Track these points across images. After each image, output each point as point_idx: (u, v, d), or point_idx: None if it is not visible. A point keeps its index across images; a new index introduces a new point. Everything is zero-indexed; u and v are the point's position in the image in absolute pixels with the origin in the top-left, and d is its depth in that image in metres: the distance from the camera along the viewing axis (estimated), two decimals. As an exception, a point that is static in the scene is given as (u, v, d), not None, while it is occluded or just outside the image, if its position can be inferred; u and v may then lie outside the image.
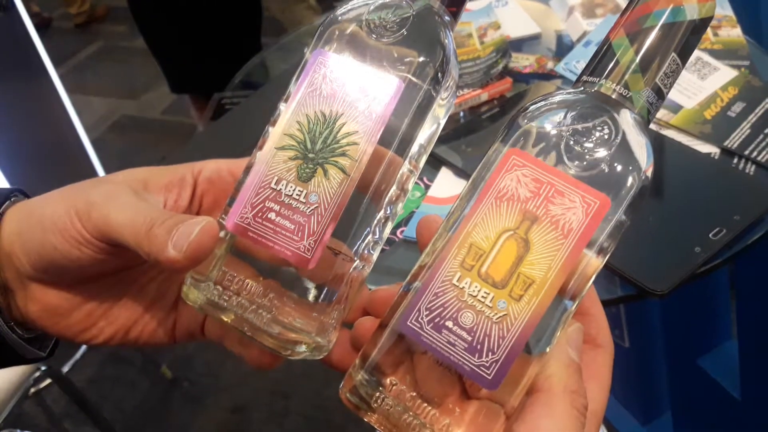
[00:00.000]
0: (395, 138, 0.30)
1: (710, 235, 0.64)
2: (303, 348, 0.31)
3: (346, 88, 0.30)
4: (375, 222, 0.31)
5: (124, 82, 3.05)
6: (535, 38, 1.01)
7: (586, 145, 0.28)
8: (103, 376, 1.71)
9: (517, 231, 0.28)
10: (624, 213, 0.28)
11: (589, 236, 0.27)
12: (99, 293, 0.35)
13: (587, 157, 0.28)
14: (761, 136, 0.76)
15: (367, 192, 0.30)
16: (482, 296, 0.27)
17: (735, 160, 0.74)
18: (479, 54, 0.93)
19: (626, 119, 0.29)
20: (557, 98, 0.30)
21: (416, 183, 0.76)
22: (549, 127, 0.29)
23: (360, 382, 0.30)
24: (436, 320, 0.28)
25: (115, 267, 0.34)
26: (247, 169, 0.31)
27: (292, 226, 0.29)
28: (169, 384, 1.68)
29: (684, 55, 0.29)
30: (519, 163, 0.28)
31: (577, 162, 0.28)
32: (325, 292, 0.31)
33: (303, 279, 0.31)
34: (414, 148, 0.31)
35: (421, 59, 0.30)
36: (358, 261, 0.31)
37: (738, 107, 0.80)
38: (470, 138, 0.81)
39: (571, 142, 0.28)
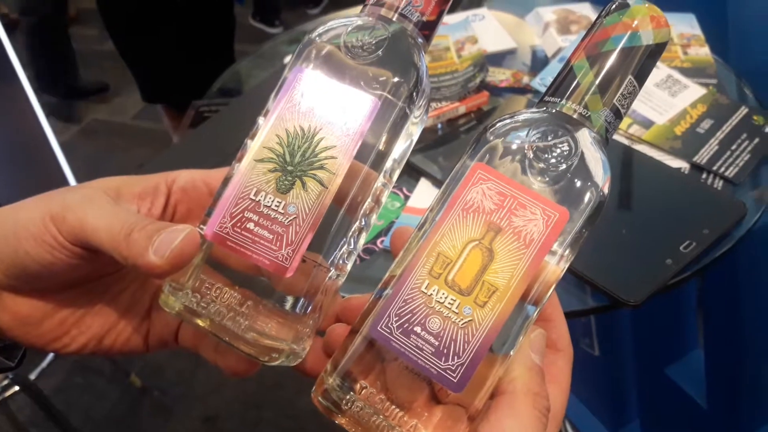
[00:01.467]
0: (371, 153, 0.31)
1: (681, 248, 0.66)
2: (279, 355, 0.32)
3: (324, 104, 0.31)
4: (350, 233, 0.32)
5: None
6: (511, 53, 1.03)
7: (548, 161, 0.30)
8: (71, 384, 1.68)
9: (482, 241, 0.29)
10: (582, 225, 0.30)
11: (549, 246, 0.29)
12: (72, 302, 0.34)
13: (548, 172, 0.30)
14: (728, 153, 0.78)
15: (343, 204, 0.31)
16: (449, 303, 0.29)
17: (704, 175, 0.77)
18: (457, 67, 0.94)
19: (585, 138, 0.31)
20: (522, 117, 0.32)
21: (396, 194, 0.77)
22: (513, 144, 0.31)
23: (332, 386, 0.31)
24: (405, 326, 0.30)
25: (88, 274, 0.34)
26: (226, 181, 0.32)
27: (271, 236, 0.30)
28: (138, 393, 1.65)
29: (641, 77, 0.31)
30: (484, 177, 0.30)
31: (539, 177, 0.30)
32: (300, 301, 0.32)
33: (278, 287, 0.32)
34: (388, 163, 0.33)
35: (396, 79, 0.31)
36: (333, 270, 0.32)
37: (706, 124, 0.82)
38: (448, 150, 0.82)
39: (534, 158, 0.30)
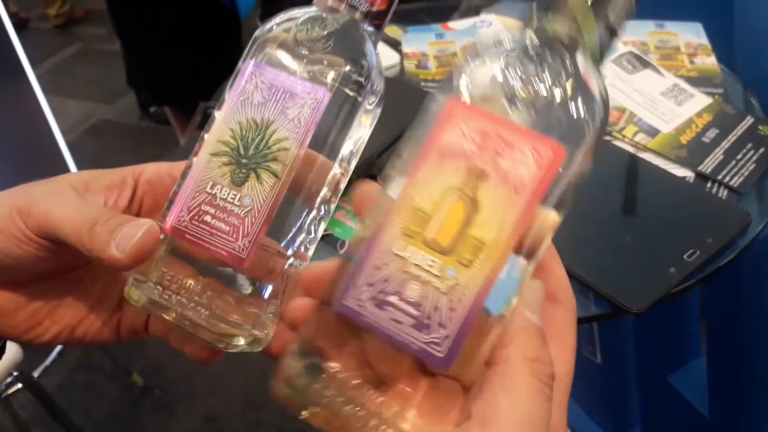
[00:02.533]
0: (325, 143, 0.32)
1: (685, 257, 0.66)
2: (241, 341, 0.32)
3: (276, 96, 0.32)
4: (309, 221, 0.33)
5: (101, 85, 3.02)
6: (517, 59, 1.03)
7: (535, 89, 0.26)
8: (73, 382, 1.69)
9: (463, 190, 0.25)
10: (582, 161, 0.26)
11: (543, 190, 0.25)
12: (43, 294, 0.35)
13: (537, 102, 0.26)
14: (733, 162, 0.78)
15: (300, 194, 0.32)
16: (428, 265, 0.25)
17: (709, 184, 0.77)
18: (464, 72, 0.95)
19: (578, 60, 0.27)
20: (504, 40, 0.27)
21: (401, 198, 0.78)
22: (495, 73, 0.26)
23: (296, 372, 0.27)
24: (377, 296, 0.25)
25: (58, 266, 0.35)
26: (184, 174, 0.33)
27: (227, 228, 0.31)
28: (140, 392, 1.66)
29: None
30: (462, 114, 0.26)
31: (526, 109, 0.26)
32: (259, 287, 0.32)
33: (239, 277, 0.32)
34: (344, 152, 0.33)
35: (346, 69, 0.32)
36: (293, 258, 0.33)
37: (712, 133, 0.83)
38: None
39: (519, 87, 0.26)
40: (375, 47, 0.34)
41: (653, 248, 0.69)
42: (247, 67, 0.33)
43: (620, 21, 0.28)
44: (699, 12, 1.04)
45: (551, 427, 0.25)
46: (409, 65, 0.98)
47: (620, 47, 0.96)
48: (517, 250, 0.25)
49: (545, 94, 0.26)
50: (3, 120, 1.68)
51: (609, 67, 0.92)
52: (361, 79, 0.33)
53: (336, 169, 0.33)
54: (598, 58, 0.27)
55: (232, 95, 0.32)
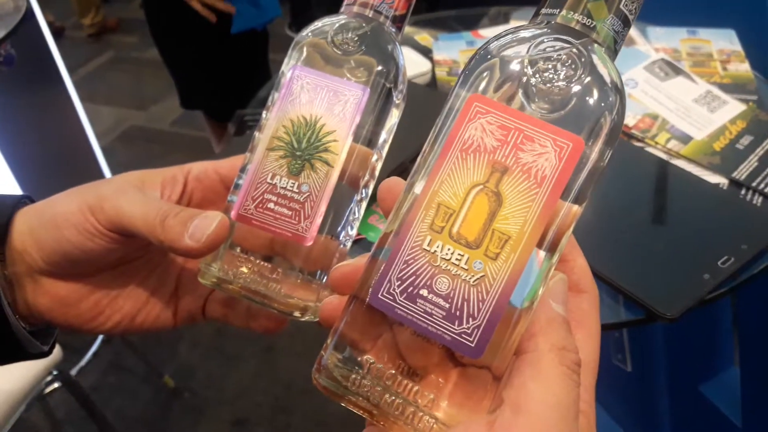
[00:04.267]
0: (364, 133, 0.36)
1: (719, 263, 0.66)
2: (306, 311, 0.36)
3: (321, 95, 0.36)
4: (354, 203, 0.37)
5: (133, 92, 3.08)
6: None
7: (552, 82, 0.26)
8: (105, 383, 1.72)
9: (486, 185, 0.26)
10: (600, 152, 0.26)
11: (564, 182, 0.25)
12: (105, 285, 0.38)
13: (554, 95, 0.26)
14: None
15: (346, 179, 0.36)
16: (456, 259, 0.26)
17: (743, 192, 0.77)
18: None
19: (592, 51, 0.27)
20: (517, 34, 0.28)
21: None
22: (510, 67, 0.27)
23: (334, 364, 0.28)
24: (409, 290, 0.26)
25: (121, 257, 0.38)
26: (243, 171, 0.37)
27: (289, 213, 0.35)
28: (170, 394, 1.68)
29: None
30: (482, 109, 0.26)
31: (544, 102, 0.26)
32: (319, 270, 0.36)
33: (299, 262, 0.36)
34: (380, 140, 0.37)
35: (380, 68, 0.36)
36: (343, 237, 0.37)
37: (746, 140, 0.82)
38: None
39: (536, 81, 0.26)
40: (398, 48, 0.37)
41: (687, 255, 0.69)
42: (293, 70, 0.37)
43: (632, 9, 0.27)
44: (732, 18, 1.04)
45: (582, 410, 0.26)
46: (441, 72, 0.99)
47: (652, 54, 0.96)
48: (541, 242, 0.26)
49: (561, 87, 0.26)
50: (42, 126, 1.73)
51: (641, 74, 0.92)
52: (392, 77, 0.37)
53: (374, 156, 0.37)
54: (612, 47, 0.27)
55: (280, 97, 0.36)
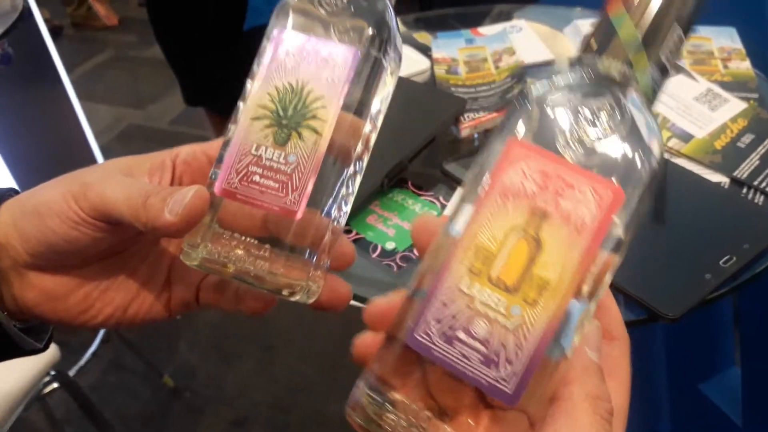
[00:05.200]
0: (356, 101, 0.34)
1: (720, 263, 0.66)
2: (297, 291, 0.34)
3: (308, 59, 0.34)
4: (347, 177, 0.35)
5: (132, 91, 3.08)
6: (548, 64, 1.03)
7: (592, 130, 0.26)
8: (105, 383, 1.72)
9: (526, 230, 0.26)
10: (639, 201, 0.26)
11: (604, 231, 0.25)
12: (94, 277, 0.37)
13: (594, 143, 0.26)
14: (769, 168, 0.78)
15: (336, 150, 0.34)
16: (494, 303, 0.26)
17: (744, 190, 0.76)
18: (494, 78, 0.95)
19: (632, 100, 0.27)
20: (557, 81, 0.28)
21: (432, 203, 0.78)
22: (551, 114, 0.27)
23: (367, 402, 0.28)
24: (446, 332, 0.26)
25: (109, 247, 0.36)
26: (226, 143, 0.34)
27: (276, 185, 0.33)
28: (170, 393, 1.68)
29: (687, 27, 0.28)
30: (523, 154, 0.26)
31: (584, 150, 0.26)
32: (308, 249, 0.34)
33: (288, 239, 0.34)
34: (373, 109, 0.35)
35: (371, 31, 0.34)
36: (335, 213, 0.35)
37: (747, 138, 0.82)
38: (485, 160, 0.83)
39: (576, 128, 0.26)
40: (392, 11, 0.35)
41: (688, 254, 0.68)
42: (278, 35, 0.34)
43: (671, 59, 0.28)
44: (732, 16, 1.03)
45: None
46: (439, 71, 0.99)
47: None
48: (580, 290, 0.26)
49: (601, 135, 0.26)
50: (39, 124, 1.72)
51: (642, 72, 0.92)
52: (384, 39, 0.34)
53: (367, 126, 0.35)
54: (650, 96, 0.28)
55: (264, 63, 0.34)
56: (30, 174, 1.55)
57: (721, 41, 0.99)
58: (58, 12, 3.58)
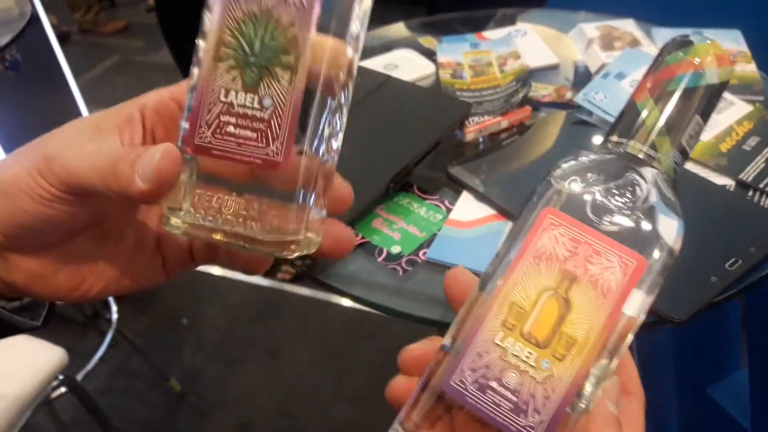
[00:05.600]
0: (330, 20, 0.30)
1: (726, 266, 0.66)
2: (297, 246, 0.31)
3: None
4: (332, 110, 0.31)
5: (139, 95, 3.09)
6: (553, 68, 1.03)
7: (619, 204, 0.29)
8: (112, 387, 1.72)
9: (557, 290, 0.28)
10: (660, 269, 0.29)
11: (627, 296, 0.28)
12: (80, 250, 0.35)
13: (620, 216, 0.29)
14: (775, 170, 0.77)
15: (317, 83, 0.30)
16: (526, 356, 0.28)
17: (750, 193, 0.76)
18: (499, 82, 0.95)
19: (655, 179, 0.30)
20: (588, 158, 0.31)
21: (437, 206, 0.78)
22: (582, 187, 0.30)
23: None
24: (480, 380, 0.28)
25: (89, 219, 0.34)
26: (192, 90, 0.31)
27: (254, 134, 0.29)
28: (176, 398, 1.69)
29: (705, 115, 0.31)
30: (555, 222, 0.29)
31: (610, 222, 0.29)
32: (301, 192, 0.30)
33: (277, 185, 0.30)
34: (352, 30, 0.31)
35: None
36: (324, 153, 0.31)
37: (753, 141, 0.82)
38: (490, 164, 0.83)
39: (605, 202, 0.29)
40: None
41: (694, 257, 0.68)
42: None
43: (691, 143, 0.31)
44: (737, 19, 1.03)
45: None
46: (444, 75, 0.99)
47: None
48: (604, 348, 0.28)
49: (627, 209, 0.29)
50: (46, 129, 1.73)
51: (647, 76, 0.91)
52: None
53: (348, 51, 0.31)
54: (672, 175, 0.31)
55: None
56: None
57: (726, 44, 0.99)
58: (66, 18, 3.61)
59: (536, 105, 0.94)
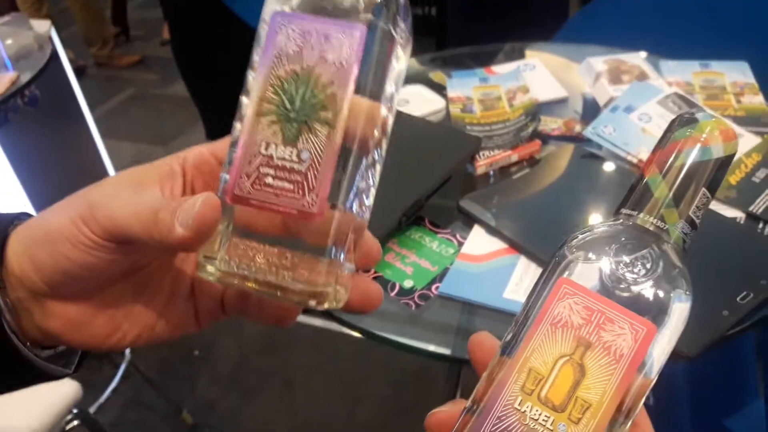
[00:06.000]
0: (368, 82, 0.31)
1: (738, 299, 0.66)
2: (326, 298, 0.32)
3: (311, 42, 0.31)
4: (366, 167, 0.32)
5: (153, 128, 3.14)
6: (562, 101, 1.04)
7: (630, 275, 0.31)
8: (125, 419, 1.72)
9: (572, 357, 0.30)
10: (671, 336, 0.31)
11: (639, 361, 0.29)
12: (117, 298, 0.36)
13: (632, 286, 0.31)
14: (785, 202, 0.78)
15: (353, 140, 0.31)
16: (543, 419, 0.29)
17: (760, 226, 0.76)
18: (509, 116, 0.96)
19: (664, 250, 0.32)
20: (600, 230, 0.33)
21: (449, 240, 0.79)
22: (595, 258, 0.32)
23: None
24: None
25: (128, 267, 0.35)
26: (233, 144, 0.32)
27: (291, 186, 0.31)
28: (189, 430, 1.68)
29: (713, 188, 0.33)
30: (570, 291, 0.31)
31: (622, 291, 0.31)
32: (333, 246, 0.31)
33: (310, 239, 0.31)
34: (387, 91, 0.32)
35: (378, 1, 0.31)
36: (356, 208, 0.32)
37: (762, 173, 0.82)
38: (501, 197, 0.84)
39: (617, 273, 0.31)
40: None
41: (705, 291, 0.68)
42: (274, 19, 0.32)
43: (699, 214, 0.33)
44: (745, 51, 1.04)
45: None
46: (455, 109, 1.00)
47: (665, 89, 0.97)
48: (617, 411, 0.30)
49: (638, 279, 0.31)
50: (63, 162, 1.76)
51: (655, 109, 0.93)
52: (392, 11, 0.32)
53: (383, 109, 0.32)
54: (681, 245, 0.32)
55: (264, 52, 0.32)
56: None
57: (733, 76, 1.00)
58: (82, 52, 3.68)
59: (545, 138, 0.95)
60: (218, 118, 1.78)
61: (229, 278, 0.32)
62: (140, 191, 0.33)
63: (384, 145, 0.34)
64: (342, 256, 0.32)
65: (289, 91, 0.31)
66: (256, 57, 0.32)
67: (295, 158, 0.30)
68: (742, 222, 0.77)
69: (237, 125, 0.32)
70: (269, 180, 0.31)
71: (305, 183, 0.30)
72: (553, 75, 1.10)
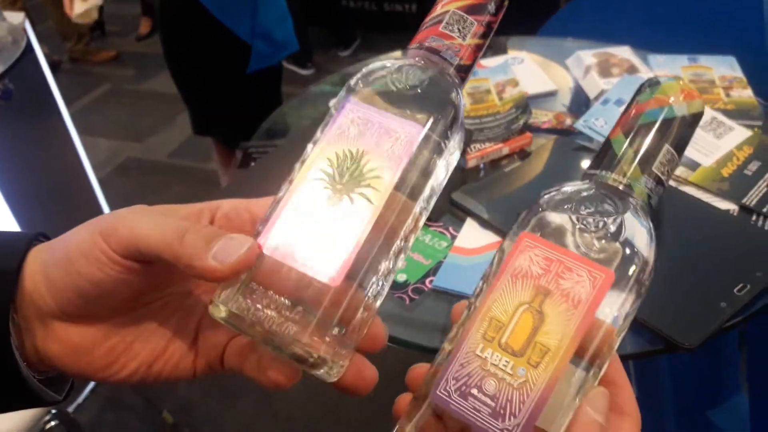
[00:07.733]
0: (411, 180, 0.34)
1: (735, 291, 0.66)
2: (322, 365, 0.33)
3: (371, 130, 0.34)
4: (391, 253, 0.34)
5: (130, 124, 3.08)
6: (551, 95, 1.04)
7: (591, 227, 0.32)
8: (104, 420, 1.68)
9: (531, 304, 0.31)
10: (630, 288, 0.31)
11: (596, 306, 0.30)
12: (121, 329, 0.35)
13: (594, 240, 0.32)
14: (777, 195, 0.78)
15: (386, 225, 0.33)
16: (503, 364, 0.31)
17: (753, 217, 0.76)
18: (498, 109, 0.96)
19: (628, 205, 0.33)
20: (567, 189, 0.34)
21: (443, 233, 0.78)
22: (558, 214, 0.33)
23: None
24: (462, 388, 0.31)
25: (137, 296, 0.35)
26: (277, 201, 0.34)
27: (318, 252, 0.33)
28: (169, 430, 1.65)
29: (679, 146, 0.34)
30: (531, 244, 0.32)
31: (582, 243, 0.32)
32: (343, 321, 0.33)
33: (323, 309, 0.32)
34: (426, 192, 0.35)
35: (436, 115, 0.34)
36: (372, 290, 0.34)
37: (754, 166, 0.82)
38: (493, 189, 0.83)
39: (577, 226, 0.32)
40: (461, 98, 0.36)
41: (702, 283, 0.68)
42: (344, 103, 0.35)
43: (665, 170, 0.33)
44: (731, 45, 1.05)
45: None
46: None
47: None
48: (580, 356, 0.31)
49: (600, 234, 0.32)
50: (39, 158, 1.72)
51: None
52: (448, 126, 0.34)
53: (419, 205, 0.35)
54: (647, 201, 0.33)
55: (328, 129, 0.35)
56: (29, 208, 1.54)
57: (721, 70, 1.00)
58: (57, 47, 3.61)
59: (536, 131, 0.94)
60: (204, 110, 1.75)
61: (236, 321, 0.33)
62: (168, 216, 0.34)
63: (412, 239, 0.36)
64: (346, 332, 0.33)
65: (342, 166, 0.33)
66: (319, 133, 0.35)
67: (324, 219, 0.33)
68: (735, 214, 0.77)
69: (284, 186, 0.34)
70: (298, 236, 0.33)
71: (333, 252, 0.32)
72: (542, 69, 1.09)
